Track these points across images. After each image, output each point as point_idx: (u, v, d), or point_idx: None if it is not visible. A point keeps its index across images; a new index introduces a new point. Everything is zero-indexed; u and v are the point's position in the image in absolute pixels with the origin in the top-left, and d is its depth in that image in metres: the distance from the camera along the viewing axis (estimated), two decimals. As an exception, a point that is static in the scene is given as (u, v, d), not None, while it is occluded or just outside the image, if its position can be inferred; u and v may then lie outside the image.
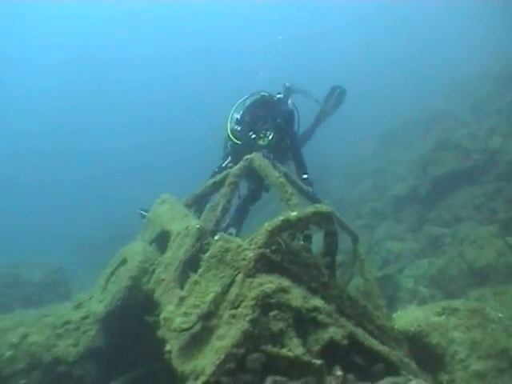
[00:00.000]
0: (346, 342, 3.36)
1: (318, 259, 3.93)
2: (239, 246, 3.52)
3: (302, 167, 6.66)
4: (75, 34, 51.99)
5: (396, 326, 4.78)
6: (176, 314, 3.37)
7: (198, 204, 5.99)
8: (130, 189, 38.39)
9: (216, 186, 5.54)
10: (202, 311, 3.29)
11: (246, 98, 7.39)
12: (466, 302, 5.02)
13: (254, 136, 6.63)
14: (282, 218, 3.57)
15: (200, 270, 3.56)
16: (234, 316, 3.18)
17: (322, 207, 3.86)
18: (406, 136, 19.33)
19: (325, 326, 3.34)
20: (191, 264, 4.62)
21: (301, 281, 3.63)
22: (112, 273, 5.62)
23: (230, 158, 7.04)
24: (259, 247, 3.42)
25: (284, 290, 3.27)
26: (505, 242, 8.39)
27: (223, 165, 6.98)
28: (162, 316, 3.45)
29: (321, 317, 3.34)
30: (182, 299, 3.45)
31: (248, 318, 3.07)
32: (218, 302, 3.35)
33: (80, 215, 34.00)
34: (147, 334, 4.86)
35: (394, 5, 42.80)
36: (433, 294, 8.81)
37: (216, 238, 3.61)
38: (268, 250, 3.43)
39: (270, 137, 6.70)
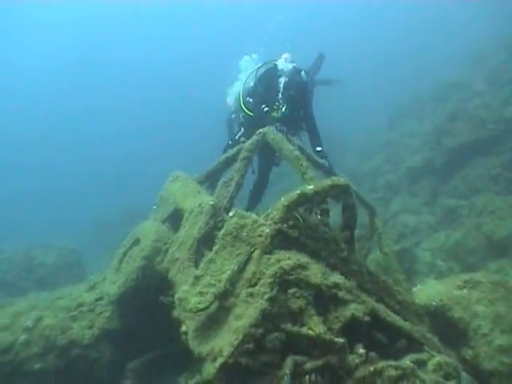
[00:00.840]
0: (367, 318, 3.24)
1: (337, 234, 3.80)
2: (255, 222, 3.38)
3: (316, 139, 6.45)
4: (72, 37, 51.73)
5: (417, 301, 4.64)
6: (191, 293, 3.25)
7: (210, 180, 5.83)
8: (142, 168, 38.47)
9: (229, 162, 5.39)
10: (217, 290, 3.17)
11: (259, 67, 7.15)
12: (488, 275, 4.88)
13: (266, 109, 6.44)
14: (298, 191, 3.43)
15: (215, 248, 3.43)
16: (251, 294, 3.06)
17: (339, 180, 3.71)
18: (419, 107, 18.93)
19: (345, 302, 3.22)
20: (206, 242, 4.51)
21: (319, 256, 3.51)
22: (125, 253, 5.51)
23: (242, 129, 6.86)
24: (275, 222, 3.29)
25: (302, 267, 3.15)
26: (525, 213, 8.20)
27: (236, 137, 6.80)
28: (176, 296, 3.33)
29: (341, 293, 3.22)
30: (197, 278, 3.33)
31: (266, 297, 2.96)
32: (234, 280, 3.23)
33: (92, 196, 34.09)
34: (162, 315, 4.84)
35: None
36: (450, 267, 8.66)
37: (230, 214, 3.48)
38: (285, 226, 3.30)
39: (284, 109, 6.52)
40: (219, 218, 4.58)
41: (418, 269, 8.86)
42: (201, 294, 3.22)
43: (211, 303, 3.15)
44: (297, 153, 4.65)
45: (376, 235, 5.82)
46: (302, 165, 4.53)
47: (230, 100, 12.43)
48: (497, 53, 17.72)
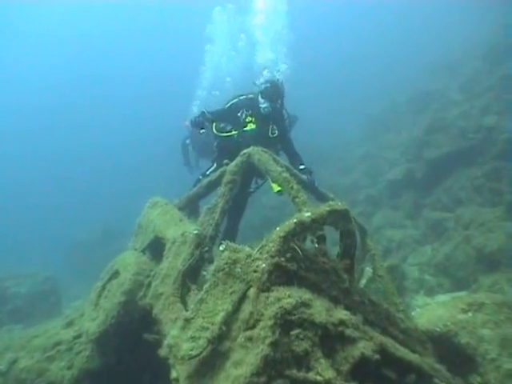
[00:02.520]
0: (377, 356, 2.95)
1: (337, 263, 3.51)
2: (249, 256, 3.07)
3: (297, 158, 6.22)
4: (70, 46, 51.06)
5: (418, 326, 4.38)
6: (182, 339, 2.92)
7: (190, 207, 5.49)
8: (117, 187, 37.78)
9: (212, 186, 5.06)
10: (211, 334, 2.85)
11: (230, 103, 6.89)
12: (491, 295, 4.66)
13: (233, 129, 6.28)
14: (295, 220, 3.13)
15: (206, 286, 3.10)
16: (250, 338, 2.74)
17: (337, 204, 3.43)
18: (395, 118, 18.94)
19: (353, 340, 2.91)
20: (191, 275, 4.19)
21: (320, 290, 3.21)
22: (103, 287, 5.14)
23: (215, 165, 6.54)
24: (272, 256, 2.98)
25: (305, 305, 2.83)
26: (514, 224, 8.05)
27: (207, 172, 6.50)
28: (166, 343, 2.99)
29: (348, 331, 2.92)
30: (187, 321, 3.00)
31: (268, 341, 2.64)
32: (229, 322, 2.90)
33: (66, 217, 33.21)
34: (146, 353, 4.49)
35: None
36: (440, 283, 8.46)
37: (221, 248, 3.15)
38: (283, 259, 2.99)
39: (264, 106, 6.33)
40: (205, 249, 4.26)
41: (406, 285, 8.62)
42: (193, 339, 2.89)
43: (205, 349, 2.82)
44: (286, 174, 4.36)
45: (369, 256, 5.56)
46: (292, 187, 4.23)
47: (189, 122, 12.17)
48: (469, 61, 17.85)
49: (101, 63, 51.90)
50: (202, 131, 6.31)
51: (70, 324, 5.72)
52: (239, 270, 3.03)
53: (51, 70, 51.69)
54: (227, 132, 6.36)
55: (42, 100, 50.15)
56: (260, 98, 6.45)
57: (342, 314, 2.98)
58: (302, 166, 5.91)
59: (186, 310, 3.92)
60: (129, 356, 4.80)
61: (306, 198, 4.20)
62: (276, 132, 6.39)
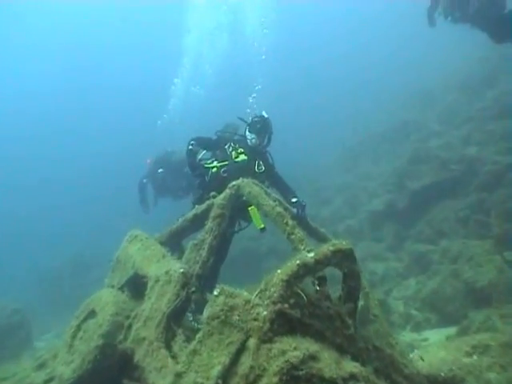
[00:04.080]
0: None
1: (340, 307, 3.22)
2: (247, 302, 2.76)
3: (288, 191, 5.97)
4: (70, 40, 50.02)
5: (421, 371, 4.08)
6: (173, 397, 2.58)
7: (172, 242, 5.12)
8: (87, 214, 36.89)
9: (197, 221, 4.72)
10: (207, 392, 2.52)
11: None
12: (495, 336, 4.44)
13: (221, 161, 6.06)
14: (297, 262, 2.85)
15: (199, 336, 2.77)
16: (252, 398, 2.42)
17: (342, 244, 3.16)
18: (373, 149, 18.89)
19: (364, 396, 2.62)
20: (176, 317, 3.84)
21: (324, 338, 2.91)
22: (79, 326, 4.71)
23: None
24: (274, 302, 2.68)
25: (313, 358, 2.53)
26: (503, 258, 7.87)
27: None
28: (154, 403, 2.64)
29: (359, 386, 2.62)
30: (178, 376, 2.66)
31: (273, 402, 2.33)
32: (226, 376, 2.58)
33: (36, 245, 32.16)
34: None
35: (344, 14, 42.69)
36: (427, 318, 8.20)
37: (215, 292, 2.83)
38: (286, 305, 2.69)
39: (252, 138, 6.13)
40: (192, 289, 3.92)
41: (392, 320, 8.34)
42: (185, 397, 2.56)
43: (199, 411, 2.49)
44: (280, 209, 4.08)
45: (362, 294, 5.28)
46: (287, 223, 3.95)
47: (151, 159, 12.14)
48: (447, 91, 18.00)
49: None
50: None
51: (41, 366, 5.29)
52: (237, 317, 2.72)
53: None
54: (220, 162, 6.07)
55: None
56: (247, 131, 6.26)
57: (351, 366, 2.69)
58: (294, 199, 5.64)
59: (172, 357, 3.58)
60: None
61: (303, 234, 3.93)
62: (262, 168, 6.16)
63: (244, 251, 13.41)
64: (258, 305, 2.72)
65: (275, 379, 2.39)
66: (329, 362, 2.58)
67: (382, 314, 5.07)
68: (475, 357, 4.09)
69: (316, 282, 3.27)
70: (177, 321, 3.81)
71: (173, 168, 11.69)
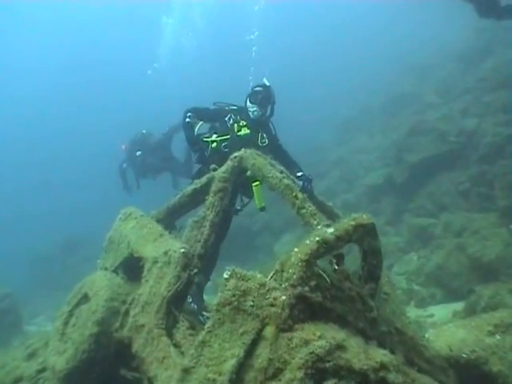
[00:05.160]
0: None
1: (362, 288, 2.91)
2: (262, 286, 2.43)
3: (293, 165, 5.60)
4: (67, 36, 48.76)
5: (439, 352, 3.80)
6: (181, 396, 2.26)
7: (169, 219, 4.73)
8: (76, 196, 36.41)
9: (196, 196, 4.34)
10: (220, 389, 2.20)
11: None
12: (516, 313, 4.13)
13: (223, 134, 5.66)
14: (317, 238, 2.52)
15: (208, 325, 2.44)
16: (273, 395, 2.11)
17: (363, 218, 2.84)
18: (368, 122, 18.53)
19: (396, 387, 2.32)
20: (177, 302, 3.52)
21: (346, 322, 2.61)
22: (71, 313, 4.37)
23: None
24: (293, 285, 2.36)
25: (340, 347, 2.23)
26: (509, 230, 7.62)
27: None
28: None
29: (391, 376, 2.31)
30: (186, 372, 2.34)
31: (299, 399, 2.02)
32: (241, 371, 2.26)
33: (25, 228, 31.72)
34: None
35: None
36: (432, 293, 7.97)
37: (225, 275, 2.49)
38: (307, 288, 2.37)
39: (253, 110, 5.71)
40: (193, 270, 3.59)
41: (396, 296, 8.09)
42: (195, 396, 2.24)
43: (213, 410, 2.18)
44: (288, 181, 3.73)
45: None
46: (296, 197, 3.60)
47: (126, 144, 12.22)
48: (443, 64, 17.59)
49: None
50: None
51: (32, 355, 4.97)
52: (251, 303, 2.39)
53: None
54: (221, 136, 5.65)
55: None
56: (249, 102, 5.82)
57: (380, 354, 2.38)
58: (299, 173, 5.27)
59: (175, 346, 3.27)
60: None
61: (314, 208, 3.59)
62: (266, 141, 5.77)
63: (237, 228, 13.09)
64: (274, 288, 2.40)
65: (300, 374, 2.08)
66: (357, 352, 2.28)
67: (393, 292, 4.79)
68: (498, 336, 3.80)
69: (334, 261, 2.96)
70: (178, 305, 3.49)
71: (150, 149, 11.89)
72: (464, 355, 3.72)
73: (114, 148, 12.84)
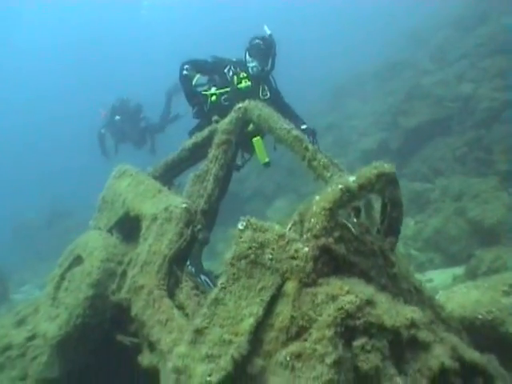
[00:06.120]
0: (456, 365, 2.18)
1: (383, 242, 2.70)
2: (281, 237, 2.20)
3: (296, 118, 5.36)
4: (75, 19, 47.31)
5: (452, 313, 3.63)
6: (194, 358, 2.04)
7: (168, 176, 4.45)
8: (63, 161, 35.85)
9: (197, 149, 4.05)
10: (238, 350, 2.00)
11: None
12: (534, 274, 3.98)
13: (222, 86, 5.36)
14: (340, 187, 2.28)
15: (221, 282, 2.20)
16: (298, 356, 1.90)
17: (384, 167, 2.60)
18: (360, 88, 18.18)
19: (427, 346, 2.12)
20: (180, 261, 3.28)
21: (369, 278, 2.41)
22: (63, 276, 4.11)
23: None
24: (317, 236, 2.13)
25: (370, 302, 2.01)
26: (510, 194, 7.48)
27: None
28: (170, 365, 2.10)
29: (422, 334, 2.11)
30: (199, 332, 2.11)
31: (330, 360, 1.82)
32: (260, 331, 2.05)
33: (9, 195, 31.17)
34: (120, 359, 3.60)
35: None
36: (430, 258, 7.85)
37: (240, 226, 2.25)
38: (331, 239, 2.15)
39: (253, 65, 5.45)
40: (197, 226, 3.34)
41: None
42: (210, 358, 2.02)
43: (230, 373, 1.96)
44: (296, 132, 3.48)
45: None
46: (307, 148, 3.36)
47: (105, 111, 12.40)
48: (437, 31, 17.28)
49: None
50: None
51: (21, 322, 4.70)
52: (269, 256, 2.16)
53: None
54: (220, 89, 5.37)
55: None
56: (248, 56, 5.51)
57: (410, 311, 2.17)
58: (303, 126, 5.07)
59: (178, 308, 3.04)
60: (98, 363, 3.86)
61: (327, 160, 3.35)
62: (268, 93, 5.50)
63: (227, 194, 12.86)
64: (294, 240, 2.17)
65: (329, 332, 1.87)
66: (387, 308, 2.07)
67: (402, 256, 4.62)
68: (515, 296, 3.64)
69: (353, 213, 2.74)
70: (181, 265, 3.26)
71: (130, 115, 12.18)
72: (480, 316, 3.56)
73: (95, 115, 13.11)
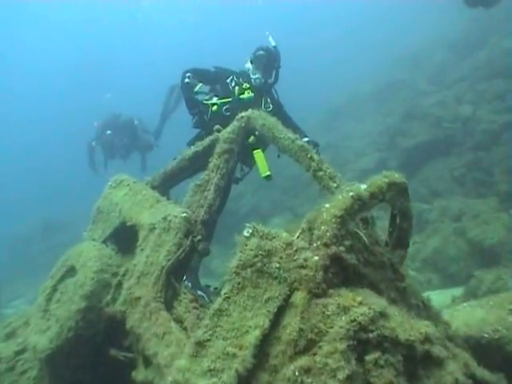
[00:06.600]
0: (470, 382, 2.07)
1: (392, 255, 2.60)
2: (289, 245, 2.09)
3: (298, 130, 5.29)
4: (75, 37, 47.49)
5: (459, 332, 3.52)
6: (195, 373, 1.91)
7: (166, 186, 4.33)
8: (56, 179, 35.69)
9: (197, 159, 3.94)
10: (242, 364, 1.87)
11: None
12: (538, 292, 3.89)
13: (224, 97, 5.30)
14: (351, 194, 2.19)
15: (225, 291, 2.08)
16: (308, 370, 1.78)
17: (394, 176, 2.51)
18: (357, 109, 18.17)
19: (441, 362, 2.01)
20: (178, 272, 3.16)
21: (378, 291, 2.30)
22: (55, 287, 3.96)
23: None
24: (327, 244, 2.02)
25: (384, 315, 1.90)
26: (510, 215, 7.43)
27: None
28: (169, 380, 1.97)
29: (435, 349, 2.00)
30: (200, 345, 1.98)
31: (342, 375, 1.70)
32: (266, 344, 1.93)
33: (1, 210, 30.89)
34: (114, 374, 3.44)
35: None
36: (429, 279, 7.74)
37: (246, 233, 2.14)
38: (342, 248, 2.04)
39: (256, 77, 5.40)
40: (197, 237, 3.23)
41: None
42: (212, 372, 1.90)
43: (234, 388, 1.84)
44: (301, 142, 3.40)
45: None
46: (312, 158, 3.27)
47: (99, 122, 12.47)
48: (434, 53, 17.43)
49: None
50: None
51: (10, 335, 4.55)
52: (276, 265, 2.05)
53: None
54: (222, 99, 5.30)
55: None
56: (251, 67, 5.47)
57: (423, 325, 2.06)
58: (306, 139, 4.98)
59: (176, 321, 2.92)
60: (90, 379, 3.69)
61: (333, 170, 3.26)
62: (270, 106, 5.44)
63: (223, 211, 12.74)
64: (303, 248, 2.06)
65: (341, 345, 1.75)
66: (401, 321, 1.96)
67: (409, 275, 4.50)
68: (520, 315, 3.53)
69: (361, 224, 2.63)
70: (179, 276, 3.13)
71: (120, 129, 12.17)
72: (486, 335, 3.45)
73: (89, 127, 12.95)
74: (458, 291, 6.94)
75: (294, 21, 41.60)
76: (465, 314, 3.84)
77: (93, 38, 46.26)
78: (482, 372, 2.44)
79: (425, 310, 2.79)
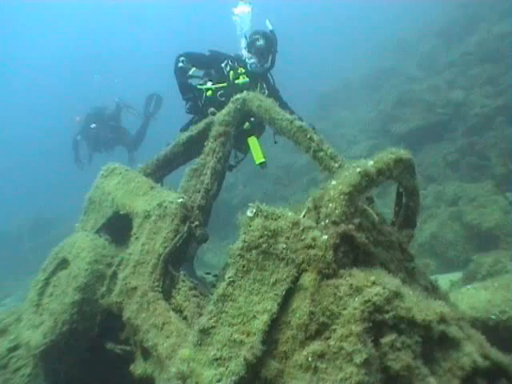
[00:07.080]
0: (487, 363, 1.98)
1: (400, 235, 2.50)
2: (295, 224, 1.97)
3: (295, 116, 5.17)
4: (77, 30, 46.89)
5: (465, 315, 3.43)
6: (200, 362, 1.80)
7: (160, 173, 4.18)
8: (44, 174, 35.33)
9: (192, 144, 3.81)
10: (250, 351, 1.76)
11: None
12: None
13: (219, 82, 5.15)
14: (358, 170, 2.07)
15: (229, 275, 1.96)
16: (321, 356, 1.67)
17: (401, 153, 2.40)
18: (348, 96, 18.10)
19: (457, 344, 1.91)
20: (176, 260, 3.04)
21: (388, 272, 2.19)
22: (47, 281, 3.83)
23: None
24: (336, 222, 1.91)
25: (398, 294, 1.80)
26: (506, 198, 7.37)
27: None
28: (174, 370, 1.85)
29: (452, 330, 1.90)
30: (205, 332, 1.87)
31: (359, 359, 1.59)
32: (275, 329, 1.82)
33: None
34: (110, 368, 3.33)
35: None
36: (426, 264, 7.63)
37: (249, 213, 2.02)
38: (351, 226, 1.93)
39: (251, 62, 5.28)
40: (194, 223, 3.10)
41: (388, 268, 7.79)
42: (218, 361, 1.78)
43: (242, 378, 1.72)
44: (300, 122, 3.27)
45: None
46: (311, 138, 3.15)
47: (80, 117, 12.32)
48: (423, 40, 17.37)
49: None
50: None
51: (2, 332, 4.42)
52: (283, 245, 1.93)
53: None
54: (217, 83, 5.16)
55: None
56: (247, 51, 5.32)
57: (438, 305, 1.96)
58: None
59: (175, 310, 2.80)
60: (86, 374, 3.58)
61: (334, 150, 3.15)
62: (266, 91, 5.31)
63: (215, 202, 12.61)
64: (310, 227, 1.95)
65: (357, 327, 1.64)
66: (416, 301, 1.86)
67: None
68: (528, 296, 3.46)
69: (366, 202, 2.53)
70: (177, 264, 3.01)
71: (105, 122, 12.15)
72: (493, 317, 3.38)
73: (70, 121, 12.93)
74: (455, 276, 6.87)
75: (282, 10, 41.35)
76: (469, 296, 3.76)
77: (87, 28, 46.04)
78: (496, 353, 2.36)
79: (433, 291, 2.68)
